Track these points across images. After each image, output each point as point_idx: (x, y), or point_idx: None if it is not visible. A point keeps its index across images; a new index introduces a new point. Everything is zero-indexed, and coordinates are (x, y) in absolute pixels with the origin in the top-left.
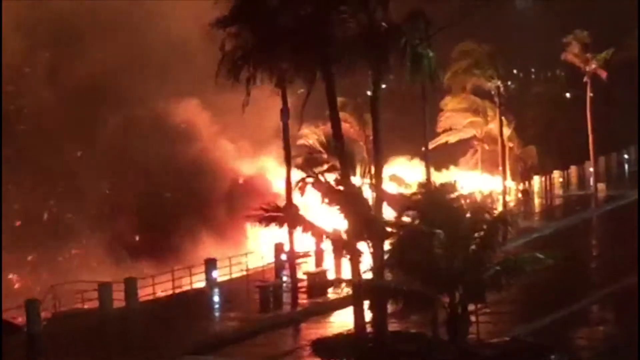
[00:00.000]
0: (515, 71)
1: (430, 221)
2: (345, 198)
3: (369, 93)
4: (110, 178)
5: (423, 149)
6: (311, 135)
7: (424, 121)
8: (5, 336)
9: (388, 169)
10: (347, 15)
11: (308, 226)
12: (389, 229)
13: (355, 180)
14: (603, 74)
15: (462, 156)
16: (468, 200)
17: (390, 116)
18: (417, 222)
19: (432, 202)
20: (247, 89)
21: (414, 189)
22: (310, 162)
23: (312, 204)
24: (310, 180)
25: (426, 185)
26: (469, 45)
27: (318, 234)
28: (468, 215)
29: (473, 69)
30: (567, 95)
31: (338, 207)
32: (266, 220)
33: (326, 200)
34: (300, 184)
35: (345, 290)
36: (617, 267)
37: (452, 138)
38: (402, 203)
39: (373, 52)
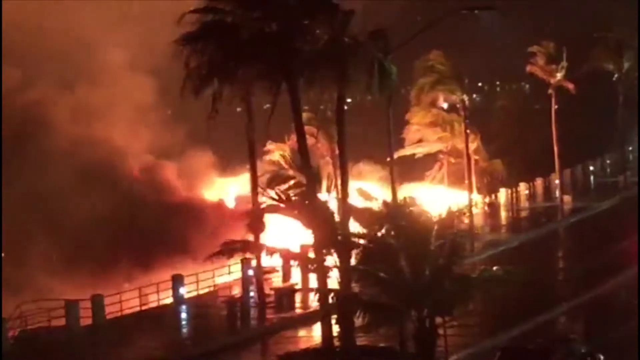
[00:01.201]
0: (480, 84)
1: (396, 235)
2: (311, 214)
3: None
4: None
5: (388, 159)
6: (277, 151)
7: (389, 135)
8: None
9: (354, 183)
10: (311, 31)
11: (271, 249)
12: (355, 242)
13: (322, 194)
14: (570, 86)
15: (429, 169)
16: (434, 215)
17: (357, 129)
18: (383, 235)
19: (398, 216)
20: (213, 105)
21: (380, 203)
22: (275, 180)
23: (280, 218)
24: (272, 202)
25: (392, 200)
26: (433, 58)
27: (283, 254)
28: (435, 228)
29: (437, 85)
30: (535, 107)
31: (303, 223)
32: (229, 253)
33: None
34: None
35: (313, 305)
36: (583, 279)
37: (418, 151)
38: (369, 217)
39: (337, 66)
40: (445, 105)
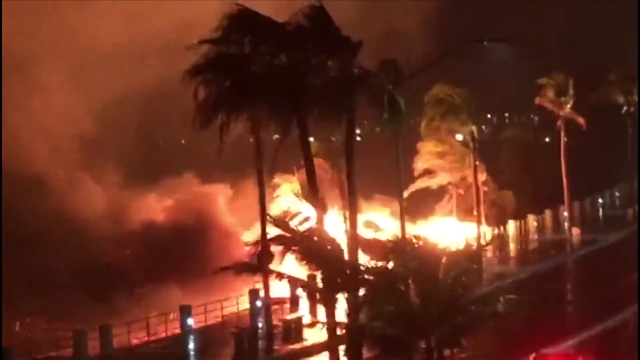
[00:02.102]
0: (489, 115)
1: (405, 267)
2: (319, 252)
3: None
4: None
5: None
6: (285, 184)
7: (398, 168)
8: None
9: (363, 215)
10: (321, 63)
11: (280, 275)
12: (364, 276)
13: (330, 226)
14: (580, 120)
15: (438, 201)
16: (443, 249)
17: (366, 161)
18: (392, 268)
19: (406, 249)
20: (221, 136)
21: (389, 235)
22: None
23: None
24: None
25: (401, 233)
26: (442, 89)
27: (292, 281)
28: (443, 261)
29: (447, 116)
30: (544, 139)
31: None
32: (237, 270)
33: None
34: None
35: (321, 336)
36: (591, 311)
37: (427, 184)
38: (378, 249)
39: (346, 98)
40: (459, 137)
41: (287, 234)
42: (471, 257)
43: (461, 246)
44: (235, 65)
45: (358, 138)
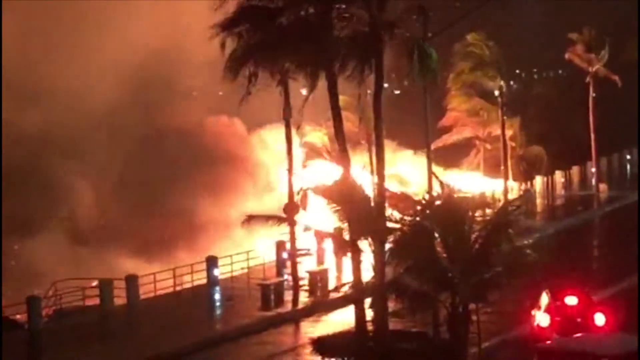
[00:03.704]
0: (517, 71)
1: (433, 219)
2: (346, 197)
3: (368, 92)
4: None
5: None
6: (314, 134)
7: (425, 120)
8: (6, 333)
9: (390, 168)
10: (348, 14)
11: (307, 226)
12: (391, 226)
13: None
14: (611, 76)
15: (465, 156)
16: (471, 200)
17: (393, 115)
18: (419, 220)
19: (435, 200)
20: (248, 87)
21: (415, 187)
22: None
23: (314, 201)
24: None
25: (428, 187)
26: (473, 41)
27: (318, 234)
28: (470, 214)
29: (476, 69)
30: (572, 95)
31: (340, 207)
32: (265, 220)
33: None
34: (300, 194)
35: (347, 289)
36: (617, 268)
37: (454, 138)
38: (405, 202)
39: (374, 49)
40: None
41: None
42: (499, 212)
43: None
44: (262, 17)
45: (390, 91)
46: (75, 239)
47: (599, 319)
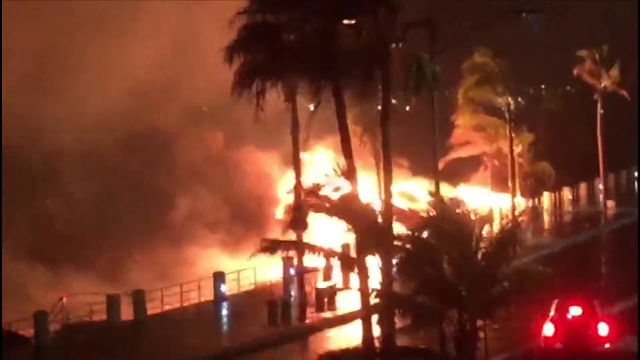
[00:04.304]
0: (525, 88)
1: (440, 235)
2: (354, 215)
3: (379, 107)
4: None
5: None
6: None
7: (433, 136)
8: (12, 348)
9: (398, 185)
10: (354, 29)
11: (315, 249)
12: (398, 243)
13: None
14: (621, 91)
15: (473, 172)
16: (477, 216)
17: (401, 131)
18: (426, 236)
19: (442, 216)
20: (257, 103)
21: (423, 204)
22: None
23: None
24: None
25: (436, 200)
26: (482, 54)
27: (326, 254)
28: (477, 230)
29: (484, 84)
30: (580, 111)
31: (347, 222)
32: (272, 250)
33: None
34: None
35: (354, 305)
36: (625, 284)
37: (462, 154)
38: (412, 218)
39: (381, 63)
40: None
41: (324, 202)
42: (507, 229)
43: (496, 217)
44: (269, 34)
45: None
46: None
47: (602, 329)
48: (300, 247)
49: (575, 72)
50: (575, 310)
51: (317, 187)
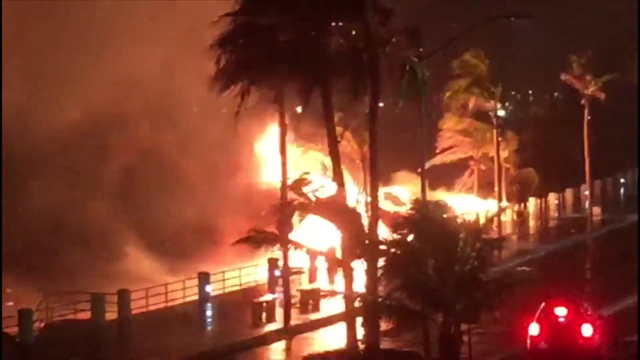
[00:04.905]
0: (512, 92)
1: (424, 239)
2: (339, 215)
3: (366, 111)
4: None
5: (419, 170)
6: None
7: (420, 140)
8: None
9: (384, 188)
10: (342, 32)
11: (300, 246)
12: (383, 247)
13: (352, 198)
14: (602, 96)
15: (459, 177)
16: (462, 221)
17: (388, 134)
18: (411, 239)
19: (427, 219)
20: (241, 103)
21: (409, 207)
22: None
23: (309, 220)
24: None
25: (421, 203)
26: (475, 55)
27: (311, 252)
28: (462, 235)
29: (473, 87)
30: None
31: (332, 223)
32: (258, 242)
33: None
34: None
35: (338, 307)
36: (611, 290)
37: (448, 158)
38: (398, 221)
39: (370, 66)
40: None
41: (311, 203)
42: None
43: (481, 222)
44: (257, 35)
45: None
46: None
47: (586, 330)
48: (286, 242)
49: (562, 77)
50: (560, 311)
51: (302, 181)
